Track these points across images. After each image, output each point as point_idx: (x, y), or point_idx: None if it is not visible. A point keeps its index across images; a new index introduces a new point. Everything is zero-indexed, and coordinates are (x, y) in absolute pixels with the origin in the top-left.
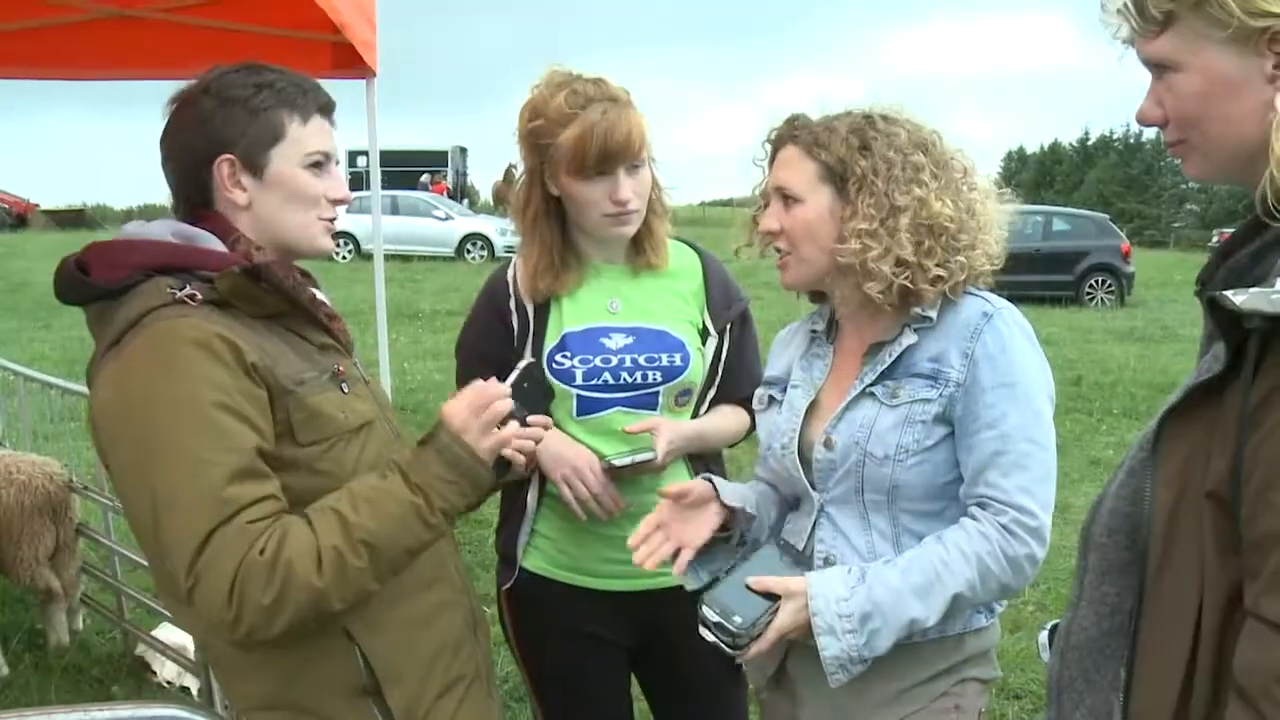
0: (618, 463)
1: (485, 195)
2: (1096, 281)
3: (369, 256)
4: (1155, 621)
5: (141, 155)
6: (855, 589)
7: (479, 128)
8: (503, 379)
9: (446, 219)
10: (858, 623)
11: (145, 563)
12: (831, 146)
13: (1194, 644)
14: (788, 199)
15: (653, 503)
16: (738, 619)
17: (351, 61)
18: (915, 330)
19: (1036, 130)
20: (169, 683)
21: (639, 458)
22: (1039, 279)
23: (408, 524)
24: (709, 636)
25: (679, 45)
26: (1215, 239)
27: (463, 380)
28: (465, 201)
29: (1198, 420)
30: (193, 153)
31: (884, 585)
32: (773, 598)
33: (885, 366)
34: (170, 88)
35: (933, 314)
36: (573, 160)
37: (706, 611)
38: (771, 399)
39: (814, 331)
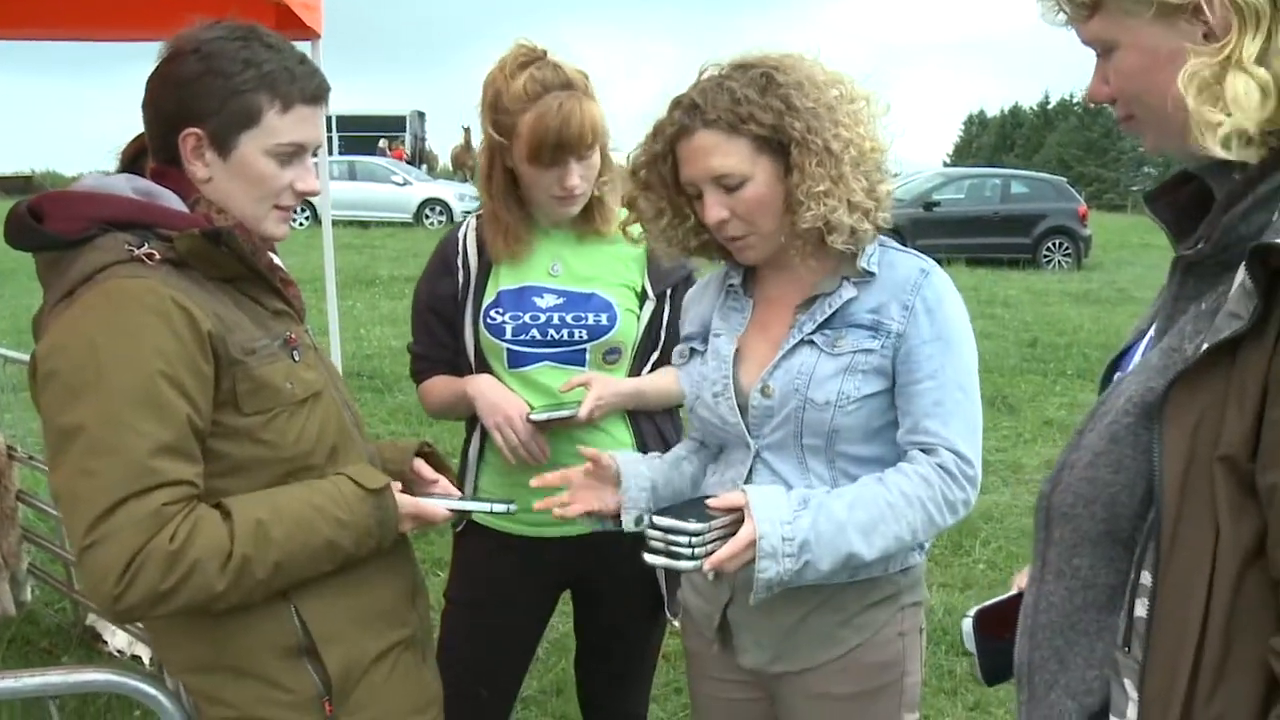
0: (535, 417)
1: (444, 160)
2: (1054, 244)
3: None
4: (1168, 600)
5: (91, 119)
6: (798, 514)
7: (438, 92)
8: (450, 327)
9: (405, 184)
10: (796, 548)
11: None
12: (758, 117)
13: (1205, 614)
14: (727, 184)
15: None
16: (693, 522)
17: (295, 23)
18: (855, 284)
19: (997, 94)
20: (120, 652)
21: (558, 414)
22: (997, 241)
23: (319, 559)
24: (657, 560)
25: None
26: None
27: (417, 328)
28: (424, 167)
29: (1207, 383)
30: (165, 113)
31: (829, 518)
32: (722, 516)
33: (825, 317)
34: (116, 49)
35: (875, 269)
36: (528, 150)
37: (659, 520)
38: (693, 351)
39: (730, 285)
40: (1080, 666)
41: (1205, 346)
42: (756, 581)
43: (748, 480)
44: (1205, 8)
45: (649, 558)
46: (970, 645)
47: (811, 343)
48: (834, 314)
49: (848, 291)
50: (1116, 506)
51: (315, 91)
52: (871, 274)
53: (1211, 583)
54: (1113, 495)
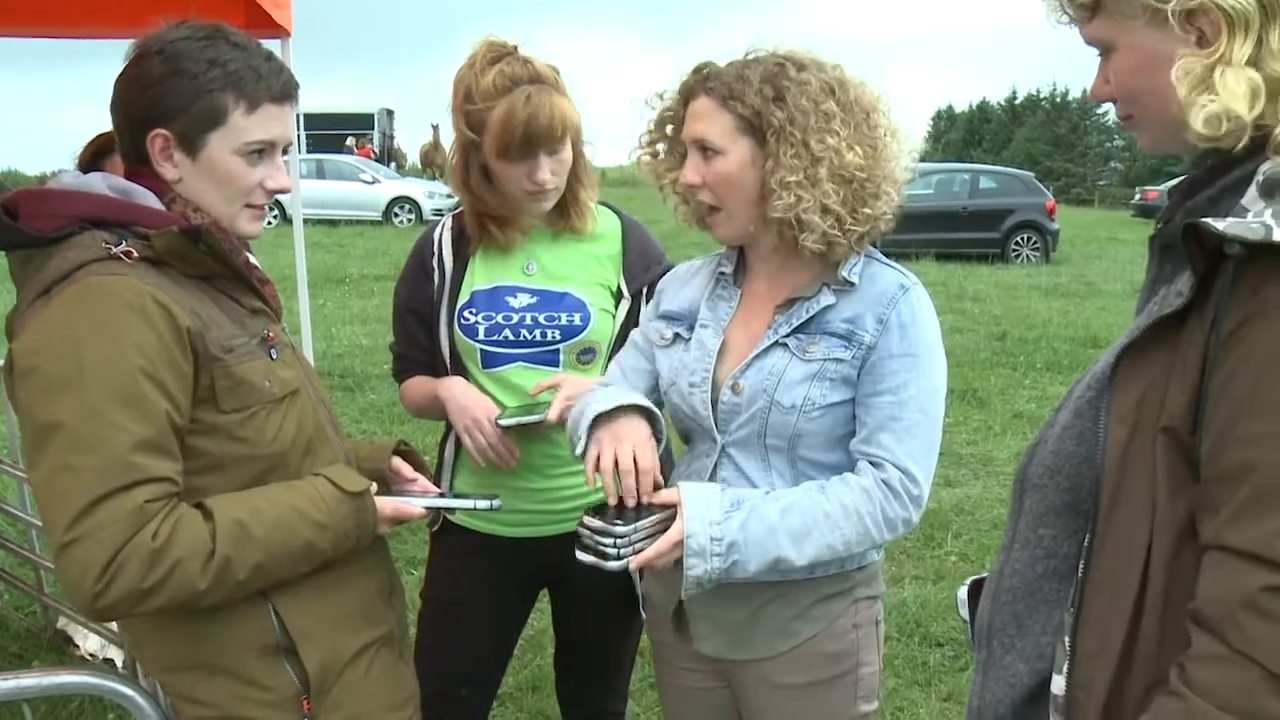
0: (503, 422)
1: (413, 158)
2: (1022, 238)
3: None
4: (1105, 561)
5: (55, 117)
6: (729, 514)
7: (406, 90)
8: (428, 328)
9: (373, 183)
10: (724, 548)
11: None
12: (746, 98)
13: (1142, 583)
14: (707, 151)
15: (561, 456)
16: (620, 524)
17: (265, 21)
18: (834, 291)
19: (965, 90)
20: (92, 655)
21: (526, 419)
22: (966, 236)
23: (298, 560)
24: (585, 558)
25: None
26: (1138, 196)
27: (396, 329)
28: (392, 165)
29: (1154, 356)
30: (133, 115)
31: (760, 521)
32: (656, 511)
33: (801, 322)
34: (81, 47)
35: (855, 278)
36: (497, 143)
37: (588, 521)
38: (677, 335)
39: (722, 273)
40: (1036, 633)
41: (1148, 322)
42: (685, 578)
43: (712, 474)
44: (1196, 15)
45: (580, 555)
46: (964, 613)
47: (784, 345)
48: (810, 319)
49: (826, 298)
50: (1078, 477)
51: (282, 89)
52: (852, 284)
53: (1149, 552)
54: (1075, 466)
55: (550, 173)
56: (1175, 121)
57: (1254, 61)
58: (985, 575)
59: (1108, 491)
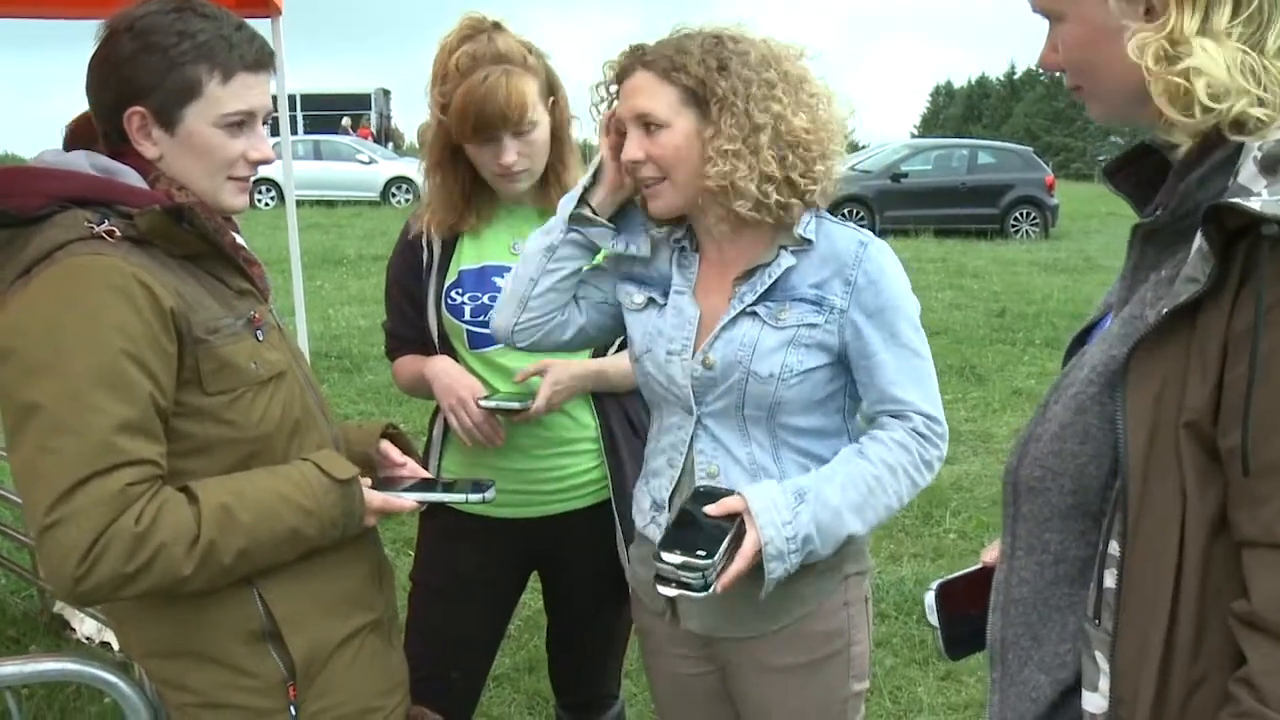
0: (485, 404)
1: (411, 138)
2: (1021, 214)
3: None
4: (1137, 567)
5: (51, 99)
6: (797, 511)
7: (403, 68)
8: (418, 307)
9: (370, 163)
10: (800, 543)
11: None
12: (689, 69)
13: (1176, 583)
14: (650, 125)
15: (548, 436)
16: (701, 552)
17: (256, 0)
18: (793, 253)
19: (964, 65)
20: (89, 639)
21: (505, 405)
22: (965, 212)
23: (283, 546)
24: (669, 591)
25: None
26: None
27: (389, 307)
28: (390, 145)
29: (1167, 349)
30: (108, 95)
31: (825, 506)
32: (724, 526)
33: (766, 288)
34: (76, 27)
35: (812, 236)
36: (457, 127)
37: (667, 557)
38: (651, 300)
39: (677, 241)
40: (1053, 641)
41: (1165, 311)
42: (767, 581)
43: (689, 447)
44: None
45: (662, 589)
46: (933, 619)
47: (754, 314)
48: (774, 285)
49: (786, 260)
50: (1085, 478)
51: (256, 58)
52: (809, 241)
53: (1181, 551)
54: (1080, 467)
55: (516, 154)
56: (1126, 94)
57: (1201, 36)
58: (954, 577)
59: (1134, 498)
